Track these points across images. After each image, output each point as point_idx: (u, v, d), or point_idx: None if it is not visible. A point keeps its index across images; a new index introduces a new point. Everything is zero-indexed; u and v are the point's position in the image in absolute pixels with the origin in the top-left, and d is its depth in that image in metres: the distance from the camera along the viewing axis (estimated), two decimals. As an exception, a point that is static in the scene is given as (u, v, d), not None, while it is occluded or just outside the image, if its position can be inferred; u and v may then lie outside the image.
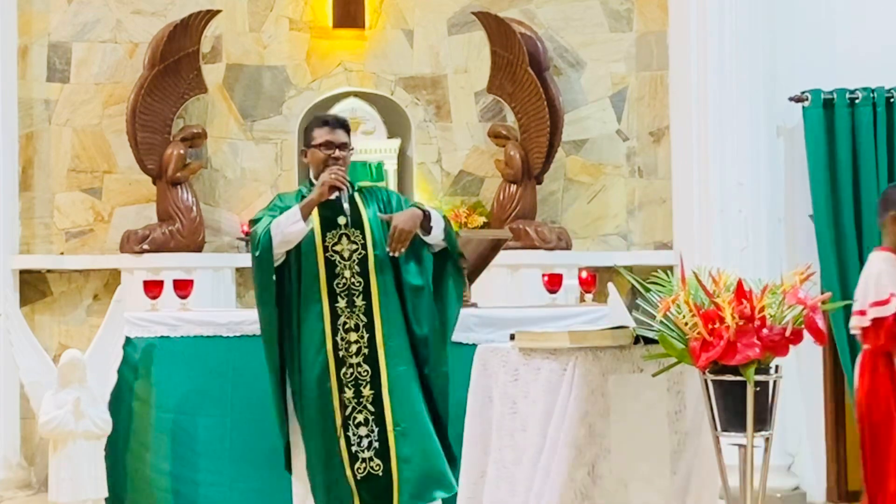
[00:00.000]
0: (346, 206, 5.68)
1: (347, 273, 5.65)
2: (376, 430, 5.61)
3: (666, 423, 4.59)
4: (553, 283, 7.36)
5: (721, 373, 4.24)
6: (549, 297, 7.39)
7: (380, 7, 8.52)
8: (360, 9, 8.44)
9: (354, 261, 5.67)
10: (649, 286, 4.47)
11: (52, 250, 8.27)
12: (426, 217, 5.65)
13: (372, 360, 5.63)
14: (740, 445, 4.28)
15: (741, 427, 4.23)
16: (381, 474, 5.59)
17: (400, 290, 5.70)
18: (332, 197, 5.63)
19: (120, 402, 6.80)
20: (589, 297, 7.37)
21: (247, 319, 6.85)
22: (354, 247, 5.68)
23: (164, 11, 8.35)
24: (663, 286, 4.42)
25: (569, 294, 7.75)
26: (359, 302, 5.64)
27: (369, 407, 5.62)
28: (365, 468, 5.60)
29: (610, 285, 7.17)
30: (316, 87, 8.51)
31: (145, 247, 8.05)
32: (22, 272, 8.16)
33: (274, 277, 5.64)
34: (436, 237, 5.70)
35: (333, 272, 5.66)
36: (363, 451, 5.61)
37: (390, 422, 5.60)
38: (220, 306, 7.94)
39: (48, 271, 8.29)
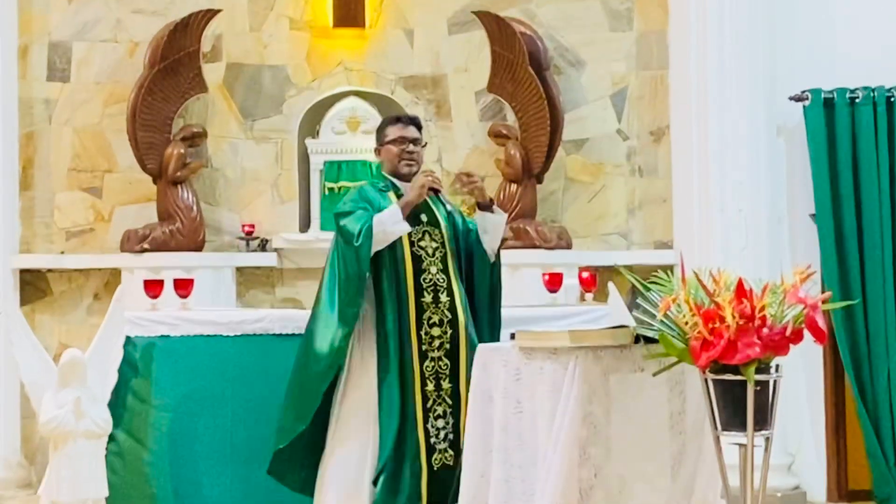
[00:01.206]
0: (433, 208, 5.91)
1: (433, 269, 5.83)
2: (452, 421, 5.77)
3: (667, 422, 4.59)
4: (553, 282, 7.36)
5: (721, 372, 4.24)
6: (549, 296, 7.38)
7: (380, 6, 8.52)
8: (360, 8, 8.43)
9: (437, 257, 5.85)
10: (650, 285, 4.47)
11: (53, 249, 8.27)
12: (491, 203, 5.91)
13: (453, 354, 5.79)
14: (741, 445, 4.28)
15: (741, 426, 4.23)
16: (452, 464, 5.72)
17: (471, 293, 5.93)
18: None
19: (120, 402, 6.80)
20: (589, 296, 7.37)
21: (247, 319, 6.85)
22: (436, 244, 5.88)
23: (164, 11, 8.34)
24: (664, 285, 4.42)
25: (569, 293, 7.75)
26: (443, 298, 5.82)
27: (447, 400, 5.78)
28: (440, 459, 5.76)
29: (610, 285, 7.17)
30: (316, 87, 8.51)
31: (146, 246, 8.05)
32: (22, 271, 8.16)
33: (368, 273, 5.75)
34: (500, 225, 5.88)
35: (420, 267, 5.82)
36: (440, 443, 5.77)
37: (465, 414, 5.62)
38: (221, 306, 7.94)
39: (48, 271, 8.29)
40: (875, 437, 7.39)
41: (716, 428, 4.31)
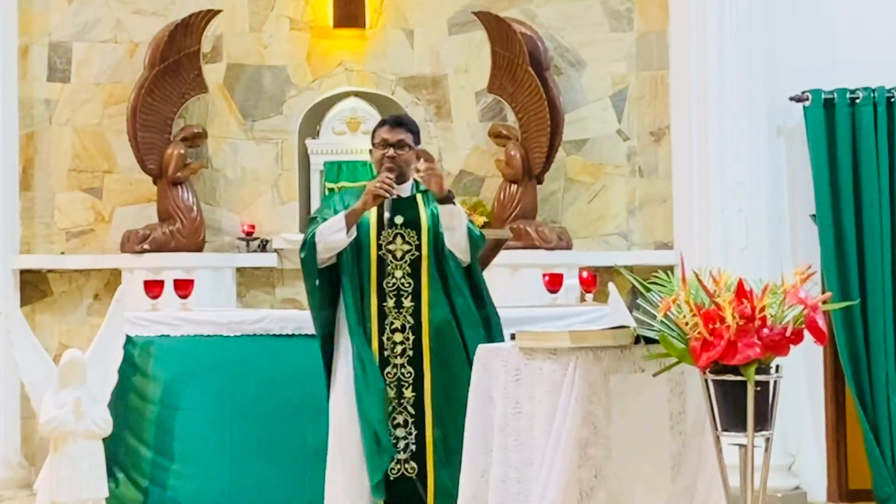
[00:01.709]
0: (386, 214, 5.66)
1: (398, 273, 5.66)
2: (415, 432, 5.62)
3: (668, 423, 4.59)
4: (553, 282, 7.36)
5: (722, 373, 4.24)
6: (549, 296, 7.39)
7: (380, 7, 8.52)
8: (360, 8, 8.44)
9: (406, 261, 5.67)
10: (650, 286, 4.47)
11: (53, 250, 8.27)
12: (451, 198, 5.64)
13: (416, 362, 5.64)
14: (741, 445, 4.28)
15: (742, 427, 4.23)
16: (414, 477, 5.60)
17: (450, 296, 5.69)
18: (386, 210, 5.64)
19: (121, 402, 6.81)
20: (589, 296, 7.37)
21: (247, 319, 6.86)
22: (408, 247, 5.69)
23: (164, 11, 8.35)
24: (664, 286, 4.41)
25: (569, 294, 7.75)
26: (406, 303, 5.65)
27: (409, 409, 5.63)
28: (399, 469, 5.61)
29: (610, 285, 7.17)
30: (316, 87, 8.51)
31: (146, 246, 8.05)
32: (22, 272, 8.16)
33: (317, 282, 5.65)
34: (452, 217, 5.62)
35: (384, 271, 5.66)
36: (399, 453, 5.61)
37: (430, 426, 5.61)
38: (221, 306, 7.94)
39: (49, 271, 8.29)
40: (874, 438, 7.39)
41: (716, 428, 4.31)
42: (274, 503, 6.55)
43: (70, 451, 6.43)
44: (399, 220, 5.70)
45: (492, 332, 5.74)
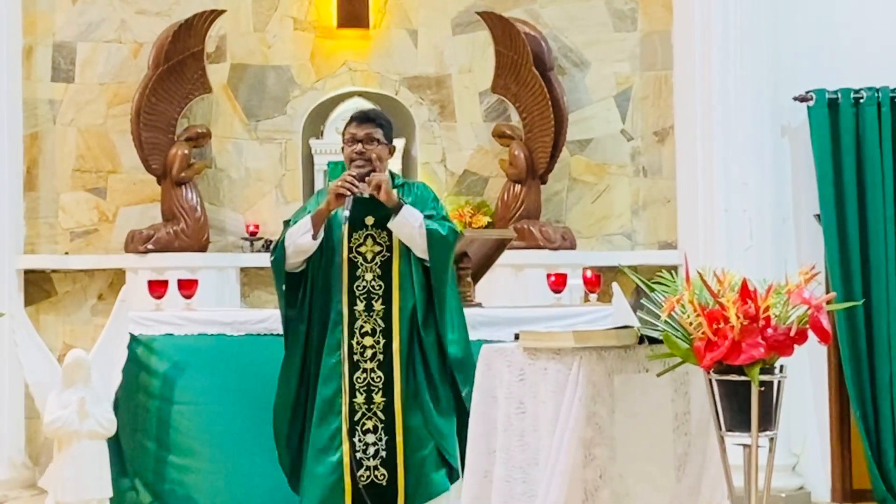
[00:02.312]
0: (346, 213, 5.47)
1: (368, 276, 5.56)
2: (385, 438, 5.53)
3: (672, 423, 4.58)
4: (557, 282, 7.36)
5: (726, 373, 4.23)
6: (553, 296, 7.39)
7: (384, 7, 8.52)
8: (364, 9, 8.44)
9: (377, 263, 5.57)
10: (654, 286, 4.46)
11: (57, 250, 8.27)
12: (400, 206, 5.47)
13: (387, 366, 5.54)
14: (745, 445, 4.27)
15: (746, 427, 4.22)
16: (384, 484, 5.52)
17: (421, 298, 5.56)
18: (346, 208, 5.48)
19: (125, 402, 6.82)
20: (593, 296, 7.37)
21: (251, 319, 6.87)
22: (379, 248, 5.59)
23: (168, 11, 8.35)
24: (668, 286, 4.41)
25: (573, 294, 7.75)
26: (377, 306, 5.54)
27: (379, 414, 5.53)
28: (368, 476, 5.52)
29: (614, 285, 7.17)
30: (320, 87, 8.52)
31: (150, 246, 8.05)
32: (27, 272, 8.17)
33: (284, 287, 5.59)
34: (403, 227, 5.47)
35: (354, 274, 5.56)
36: (368, 459, 5.52)
37: (400, 432, 5.51)
38: (225, 306, 7.95)
39: (53, 271, 8.29)
40: (875, 438, 7.39)
41: (720, 428, 4.31)
42: (276, 499, 6.56)
43: (74, 451, 6.44)
44: (370, 220, 5.59)
45: (444, 324, 5.56)
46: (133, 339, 6.82)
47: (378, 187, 5.45)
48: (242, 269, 8.31)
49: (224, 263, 8.22)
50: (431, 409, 5.55)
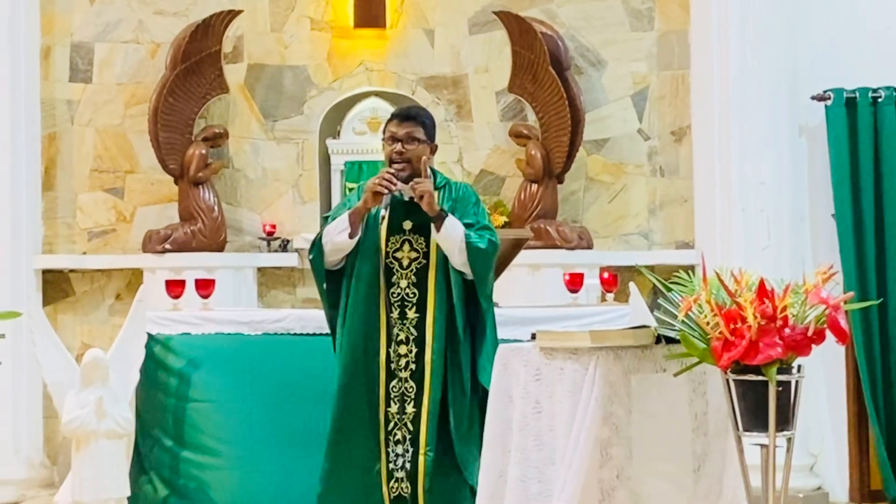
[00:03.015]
0: (384, 212, 5.36)
1: (403, 283, 5.41)
2: (411, 450, 5.40)
3: (690, 423, 4.58)
4: (574, 282, 7.35)
5: (743, 372, 4.23)
6: (570, 296, 7.38)
7: (401, 7, 8.52)
8: (381, 8, 8.44)
9: (412, 270, 5.42)
10: (671, 286, 4.46)
11: (75, 250, 8.30)
12: (443, 217, 5.35)
13: (418, 376, 5.39)
14: (762, 445, 4.27)
15: (763, 427, 4.22)
16: (407, 497, 5.41)
17: (456, 309, 5.42)
18: (384, 207, 5.36)
19: (146, 398, 6.84)
20: (610, 296, 7.36)
21: (268, 318, 6.88)
22: (415, 255, 5.43)
23: (185, 12, 8.37)
24: (685, 286, 4.41)
25: (590, 293, 7.74)
26: (410, 314, 5.40)
27: (409, 425, 5.40)
28: (397, 488, 5.42)
29: (631, 285, 7.16)
30: (337, 87, 8.52)
31: (167, 246, 8.07)
32: (45, 272, 8.19)
33: (325, 285, 5.45)
34: (445, 240, 5.37)
35: (390, 280, 5.41)
36: (398, 471, 5.42)
37: (423, 444, 5.39)
38: (242, 306, 7.96)
39: (71, 271, 8.32)
40: (890, 438, 7.37)
41: (737, 429, 4.30)
42: (293, 498, 6.57)
43: (92, 450, 6.46)
44: (408, 225, 5.45)
45: (481, 353, 5.44)
46: (150, 338, 6.85)
47: (422, 196, 5.31)
48: (259, 269, 8.32)
49: (241, 263, 8.24)
50: (454, 433, 5.41)
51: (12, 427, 7.63)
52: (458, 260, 5.38)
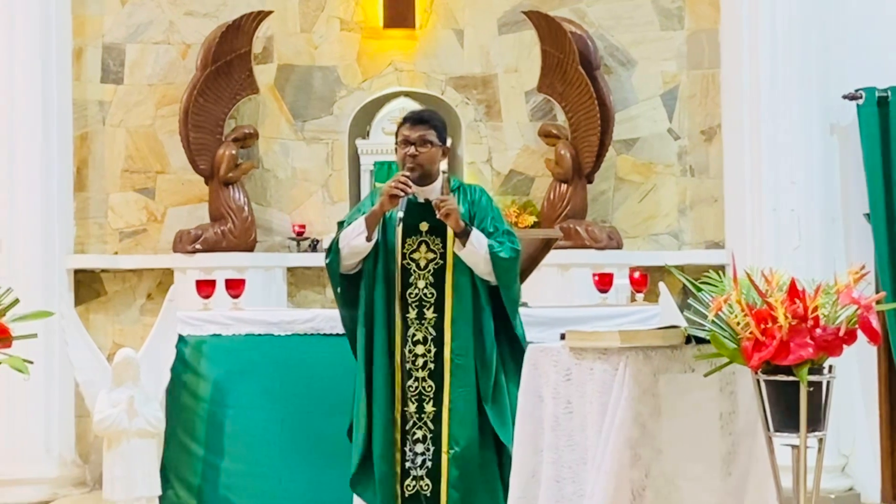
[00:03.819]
0: (400, 214, 5.42)
1: (421, 283, 5.48)
2: (432, 449, 5.46)
3: (718, 423, 4.56)
4: (604, 282, 7.34)
5: (774, 373, 4.21)
6: (599, 296, 7.37)
7: (430, 7, 8.53)
8: (410, 9, 8.45)
9: (430, 270, 5.49)
10: (701, 286, 4.45)
11: (106, 250, 8.34)
12: (468, 233, 5.41)
13: (437, 375, 5.46)
14: (793, 446, 4.25)
15: (794, 428, 4.20)
16: (428, 495, 5.46)
17: (477, 308, 5.50)
18: (400, 209, 5.42)
19: (173, 400, 6.86)
20: (640, 296, 7.34)
21: (298, 318, 6.90)
22: (432, 255, 5.50)
23: (216, 13, 8.40)
24: (715, 286, 4.39)
25: (619, 294, 7.73)
26: (429, 314, 5.47)
27: (429, 424, 5.46)
28: (414, 486, 5.47)
29: (661, 285, 7.14)
30: (367, 87, 8.54)
31: (198, 246, 8.10)
32: (76, 272, 8.24)
33: (340, 289, 5.54)
34: (470, 255, 5.43)
35: (408, 281, 5.48)
36: (416, 469, 5.47)
37: (445, 443, 5.44)
38: (272, 305, 7.98)
39: (102, 271, 8.36)
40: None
41: (768, 429, 4.28)
42: (324, 502, 6.57)
43: (123, 449, 6.49)
44: (424, 226, 5.50)
45: (511, 354, 5.51)
46: (180, 339, 6.86)
47: (448, 215, 5.37)
48: (289, 269, 8.35)
49: (271, 263, 8.26)
50: (478, 423, 5.45)
51: (44, 426, 7.67)
52: (484, 270, 5.47)
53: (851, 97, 7.55)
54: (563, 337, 4.61)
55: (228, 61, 8.21)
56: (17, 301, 4.53)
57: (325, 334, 6.87)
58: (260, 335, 6.89)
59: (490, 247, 5.43)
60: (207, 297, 7.13)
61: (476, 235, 5.44)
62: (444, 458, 5.45)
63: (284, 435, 6.78)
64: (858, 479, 7.62)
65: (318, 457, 6.65)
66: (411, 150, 5.51)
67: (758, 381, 4.27)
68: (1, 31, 7.68)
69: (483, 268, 5.46)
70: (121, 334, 8.27)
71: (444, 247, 5.49)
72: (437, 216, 5.40)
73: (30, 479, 7.57)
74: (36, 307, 4.85)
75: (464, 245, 5.43)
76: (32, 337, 4.60)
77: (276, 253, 8.36)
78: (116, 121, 8.41)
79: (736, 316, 4.23)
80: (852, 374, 7.44)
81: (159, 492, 6.61)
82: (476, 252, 5.42)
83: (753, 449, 4.62)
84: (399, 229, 5.50)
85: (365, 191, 8.41)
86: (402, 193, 5.38)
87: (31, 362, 4.50)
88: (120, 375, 6.54)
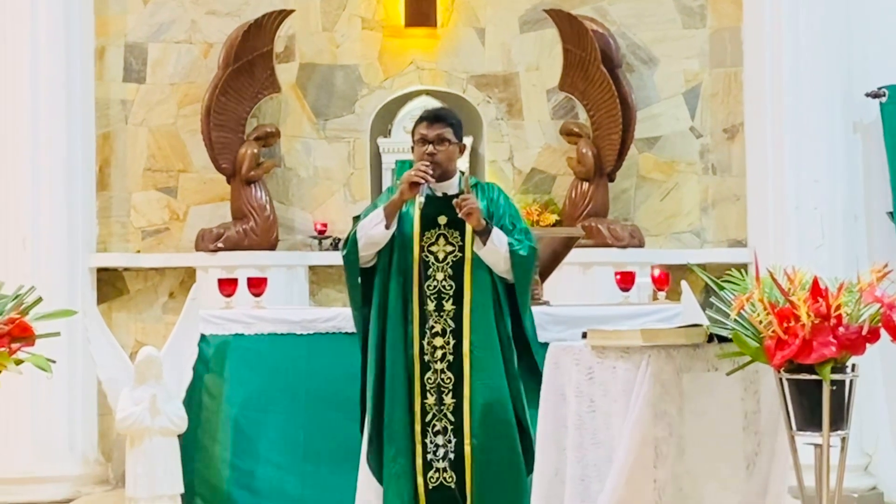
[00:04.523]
0: (419, 199, 5.45)
1: (440, 276, 5.51)
2: (454, 440, 5.49)
3: (741, 422, 4.55)
4: (625, 281, 7.33)
5: (796, 372, 4.20)
6: (621, 295, 7.35)
7: (451, 5, 8.53)
8: (431, 7, 8.45)
9: (448, 263, 5.51)
10: (723, 284, 4.44)
11: (129, 248, 8.37)
12: (488, 231, 5.44)
13: (457, 367, 5.49)
14: (816, 445, 4.24)
15: (817, 426, 4.19)
16: (453, 486, 5.48)
17: (495, 300, 5.52)
18: (420, 195, 5.45)
19: (195, 399, 6.87)
20: (662, 295, 7.32)
21: (320, 317, 6.90)
22: (451, 248, 5.53)
23: (238, 12, 8.42)
24: (737, 284, 4.38)
25: (641, 292, 7.71)
26: (448, 306, 5.49)
27: (449, 416, 5.49)
28: (438, 478, 5.49)
29: (683, 283, 7.12)
30: (388, 86, 8.54)
31: (220, 245, 8.12)
32: (99, 270, 8.27)
33: (359, 280, 5.56)
34: (490, 254, 5.46)
35: (426, 273, 5.51)
36: (438, 461, 5.49)
37: (468, 434, 5.47)
38: (294, 304, 7.99)
39: (125, 269, 8.39)
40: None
41: (791, 428, 4.27)
42: (346, 501, 6.57)
43: (146, 447, 6.51)
44: (442, 220, 5.53)
45: (526, 352, 5.54)
46: (202, 338, 6.87)
47: (469, 213, 5.40)
48: (311, 268, 8.36)
49: (293, 262, 8.27)
50: (502, 413, 5.48)
51: (67, 424, 7.70)
52: (503, 268, 5.51)
53: (874, 95, 7.52)
54: (584, 336, 4.61)
55: (250, 60, 8.22)
56: (40, 299, 4.55)
57: (346, 333, 6.86)
58: (282, 334, 6.89)
59: (510, 244, 5.47)
60: (229, 295, 7.14)
61: (496, 234, 5.47)
62: (468, 448, 5.47)
63: (307, 435, 6.78)
64: (881, 478, 7.59)
65: (341, 457, 6.64)
66: (429, 148, 5.54)
67: (780, 379, 4.26)
68: (24, 30, 7.70)
69: (502, 266, 5.50)
70: (143, 333, 8.30)
71: (463, 240, 5.52)
72: (459, 215, 5.43)
73: (53, 477, 7.59)
74: (59, 306, 4.87)
75: (484, 243, 5.46)
76: (55, 335, 4.62)
77: (298, 251, 8.38)
78: (139, 120, 8.43)
79: (758, 314, 4.22)
80: (875, 372, 7.40)
81: (181, 489, 6.61)
82: (497, 251, 5.46)
83: (776, 448, 4.61)
84: (416, 221, 5.53)
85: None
86: (423, 181, 5.41)
87: (54, 361, 4.51)
88: (142, 374, 6.55)
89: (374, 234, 5.49)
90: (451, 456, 5.49)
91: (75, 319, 5.78)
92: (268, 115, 8.47)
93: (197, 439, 6.85)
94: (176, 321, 6.98)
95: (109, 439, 8.04)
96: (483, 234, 5.45)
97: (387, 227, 5.49)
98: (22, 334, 4.43)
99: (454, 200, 5.45)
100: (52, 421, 7.63)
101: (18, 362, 4.41)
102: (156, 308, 8.37)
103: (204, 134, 8.22)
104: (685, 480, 4.39)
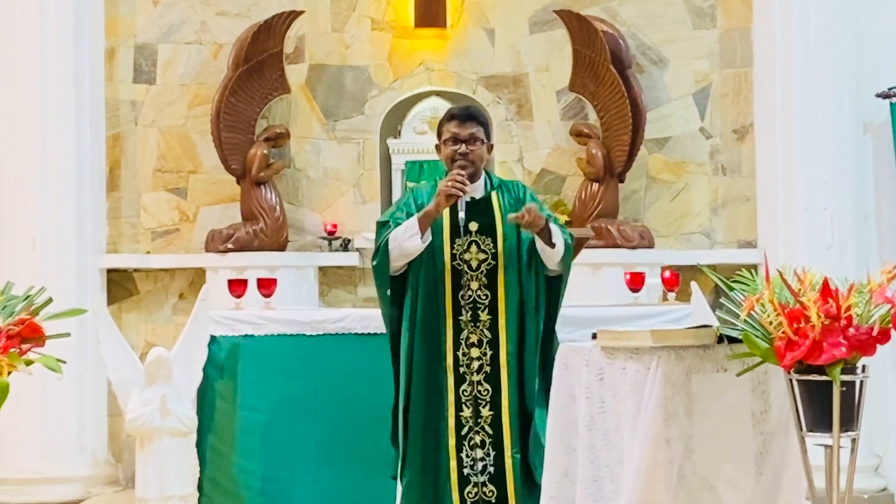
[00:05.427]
0: (461, 214, 5.27)
1: (474, 285, 5.35)
2: (493, 453, 5.34)
3: (751, 423, 4.55)
4: (635, 281, 7.32)
5: (806, 372, 4.19)
6: (631, 295, 7.34)
7: (461, 6, 8.53)
8: (441, 8, 8.46)
9: (482, 272, 5.36)
10: (733, 285, 4.43)
11: (139, 249, 8.38)
12: (549, 230, 5.30)
13: (494, 378, 5.34)
14: (826, 446, 4.23)
15: (827, 427, 4.18)
16: (493, 501, 5.33)
17: (528, 309, 5.38)
18: (459, 206, 5.29)
19: (205, 400, 6.88)
20: (672, 295, 7.32)
21: (330, 318, 6.90)
22: (484, 256, 5.37)
23: (247, 13, 8.43)
24: (747, 285, 4.38)
25: (651, 293, 7.70)
26: (483, 316, 5.34)
27: (487, 429, 5.34)
28: (476, 493, 5.34)
29: (693, 284, 7.12)
30: (398, 87, 8.55)
31: (229, 246, 8.13)
32: (109, 271, 8.28)
33: (389, 292, 5.40)
34: (555, 256, 5.35)
35: (459, 283, 5.35)
36: (476, 475, 5.33)
37: (508, 446, 5.34)
38: (304, 305, 8.00)
39: (135, 270, 8.40)
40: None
41: (801, 429, 4.26)
42: (357, 502, 6.57)
43: (156, 448, 6.51)
44: (473, 226, 5.37)
45: (549, 355, 5.39)
46: (212, 338, 6.88)
47: (530, 224, 5.23)
48: (320, 269, 8.37)
49: (302, 263, 8.28)
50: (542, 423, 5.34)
51: (77, 425, 7.72)
52: (556, 262, 5.38)
53: (885, 95, 7.51)
54: (594, 337, 4.60)
55: (260, 61, 8.23)
56: (50, 300, 4.55)
57: (356, 334, 6.87)
58: (291, 335, 6.89)
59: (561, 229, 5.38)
60: (239, 296, 7.15)
61: (555, 232, 5.34)
62: (509, 462, 5.34)
63: (316, 437, 6.78)
64: (892, 479, 7.57)
65: (352, 459, 6.64)
66: (462, 147, 5.41)
67: (790, 380, 4.25)
68: (34, 31, 7.72)
69: (556, 259, 5.37)
70: (153, 333, 8.31)
71: (496, 247, 5.38)
72: (523, 233, 5.29)
73: (62, 478, 7.61)
74: (69, 307, 4.88)
75: (552, 247, 5.31)
76: (65, 336, 4.62)
77: (308, 252, 8.39)
78: (149, 121, 8.45)
79: (768, 315, 4.22)
80: (886, 373, 7.39)
81: (191, 490, 6.62)
82: (560, 247, 5.33)
83: (786, 449, 4.61)
84: (446, 229, 5.36)
85: (396, 190, 8.42)
86: (461, 193, 5.26)
87: (65, 361, 4.52)
88: (152, 374, 6.56)
89: (408, 245, 5.30)
90: (491, 469, 5.34)
91: (85, 320, 5.81)
92: (277, 116, 8.48)
93: (206, 440, 6.85)
94: (186, 322, 6.98)
95: (119, 440, 8.05)
96: (546, 233, 5.29)
97: (422, 240, 5.32)
98: (32, 335, 4.44)
99: (508, 218, 5.28)
100: (63, 421, 7.64)
101: (29, 363, 4.42)
102: (166, 309, 8.38)
103: (214, 135, 8.23)
104: (694, 481, 4.38)
